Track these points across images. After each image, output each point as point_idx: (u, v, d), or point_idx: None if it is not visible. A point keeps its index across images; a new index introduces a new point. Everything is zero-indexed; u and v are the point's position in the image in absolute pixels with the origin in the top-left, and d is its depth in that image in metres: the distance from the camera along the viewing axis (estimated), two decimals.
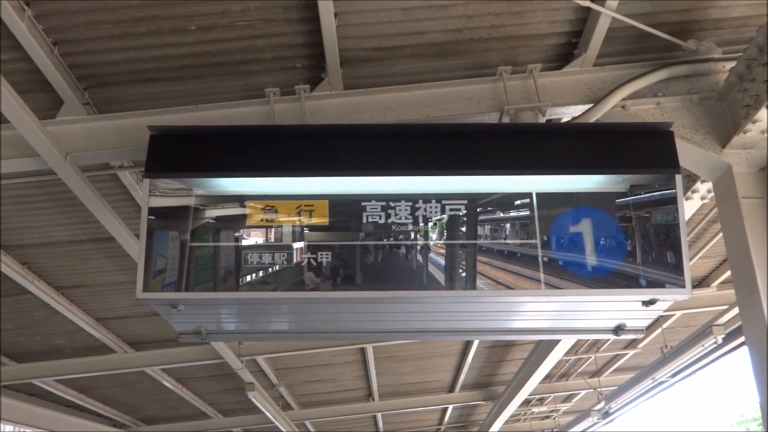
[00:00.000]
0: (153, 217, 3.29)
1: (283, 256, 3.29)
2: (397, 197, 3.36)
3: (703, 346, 8.56)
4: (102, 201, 4.56)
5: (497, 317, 3.67)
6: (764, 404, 3.53)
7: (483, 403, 12.96)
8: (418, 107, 4.08)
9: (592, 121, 3.92)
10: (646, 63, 4.12)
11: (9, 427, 8.76)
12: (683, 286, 3.22)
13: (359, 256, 3.30)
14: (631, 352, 11.16)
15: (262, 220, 3.34)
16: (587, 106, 4.01)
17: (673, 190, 3.33)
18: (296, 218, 3.33)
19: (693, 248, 7.23)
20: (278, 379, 10.15)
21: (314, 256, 3.28)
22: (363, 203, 3.35)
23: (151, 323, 7.63)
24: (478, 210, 3.36)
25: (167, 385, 9.51)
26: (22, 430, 9.08)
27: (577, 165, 3.41)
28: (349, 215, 3.35)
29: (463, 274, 3.31)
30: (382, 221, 3.32)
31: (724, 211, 3.85)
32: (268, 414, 10.21)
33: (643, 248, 3.28)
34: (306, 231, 3.32)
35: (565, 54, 4.24)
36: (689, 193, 4.70)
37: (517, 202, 3.37)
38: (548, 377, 11.14)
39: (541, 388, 11.80)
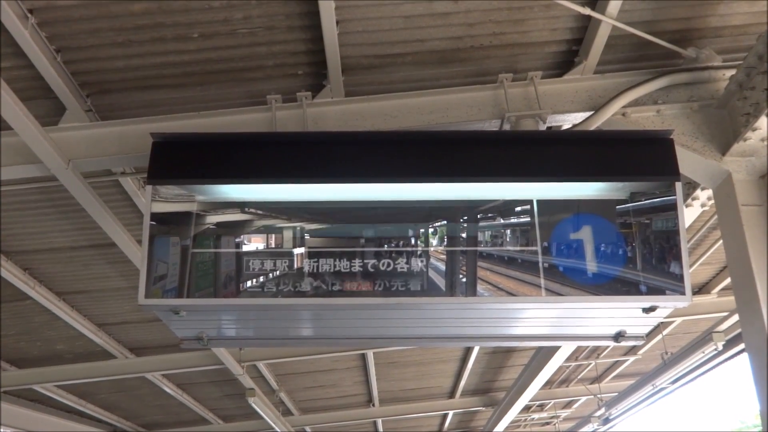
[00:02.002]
0: (154, 223, 3.30)
1: (284, 262, 3.30)
2: (398, 204, 3.37)
3: (703, 352, 8.53)
4: (104, 207, 4.57)
5: (498, 324, 3.67)
6: (764, 411, 3.54)
7: (483, 409, 12.93)
8: (419, 114, 4.09)
9: (592, 128, 3.93)
10: (646, 71, 4.14)
11: None
12: (683, 293, 3.23)
13: (360, 262, 3.31)
14: (631, 359, 11.14)
15: (263, 226, 3.35)
16: (588, 114, 4.03)
17: (674, 198, 3.34)
18: (297, 224, 3.34)
19: (693, 255, 7.23)
20: (279, 385, 10.14)
21: (315, 262, 3.30)
22: (364, 209, 3.36)
23: (152, 329, 7.62)
24: (479, 216, 3.37)
25: (168, 390, 9.49)
26: None
27: (578, 172, 3.42)
28: (350, 221, 3.37)
29: (464, 281, 3.32)
30: (383, 227, 3.34)
31: (724, 218, 3.86)
32: (268, 420, 10.20)
33: (643, 255, 3.28)
34: (307, 237, 3.34)
35: (565, 61, 4.25)
36: (689, 201, 4.71)
37: (518, 209, 3.38)
38: (548, 383, 11.10)
39: (541, 394, 11.77)
